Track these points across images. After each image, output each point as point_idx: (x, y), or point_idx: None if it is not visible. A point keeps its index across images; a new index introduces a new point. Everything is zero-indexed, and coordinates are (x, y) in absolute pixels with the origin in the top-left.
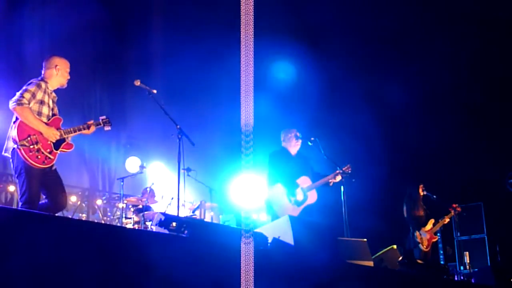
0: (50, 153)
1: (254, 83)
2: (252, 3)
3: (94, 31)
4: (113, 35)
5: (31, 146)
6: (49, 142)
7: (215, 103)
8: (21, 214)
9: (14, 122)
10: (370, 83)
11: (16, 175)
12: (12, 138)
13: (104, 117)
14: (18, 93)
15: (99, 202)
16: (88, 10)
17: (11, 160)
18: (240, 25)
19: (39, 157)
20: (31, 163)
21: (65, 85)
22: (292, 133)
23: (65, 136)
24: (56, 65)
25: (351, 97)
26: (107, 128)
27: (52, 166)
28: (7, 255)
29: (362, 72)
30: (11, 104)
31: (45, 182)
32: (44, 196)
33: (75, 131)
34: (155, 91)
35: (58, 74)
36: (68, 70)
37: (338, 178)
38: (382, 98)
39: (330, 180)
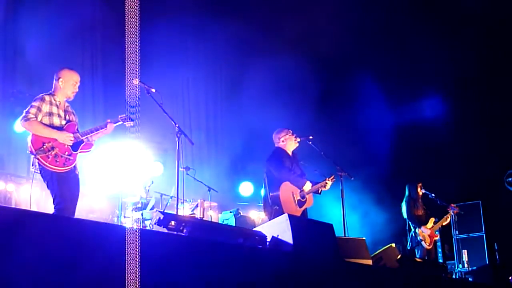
0: (69, 155)
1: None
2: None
3: (93, 30)
4: (112, 34)
5: (48, 153)
6: (66, 146)
7: (216, 103)
8: (20, 214)
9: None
10: (368, 81)
11: (46, 185)
12: (30, 151)
13: (123, 115)
14: (24, 111)
15: None
16: (88, 10)
17: (39, 172)
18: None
19: (58, 160)
20: (52, 168)
21: (71, 98)
22: (288, 133)
23: (82, 138)
24: (59, 78)
25: (350, 96)
26: (128, 124)
27: (75, 169)
28: (7, 254)
29: (360, 70)
30: (20, 122)
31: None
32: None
33: (92, 132)
34: (154, 90)
35: (62, 87)
36: (75, 82)
37: (328, 185)
38: (382, 97)
39: (320, 188)
